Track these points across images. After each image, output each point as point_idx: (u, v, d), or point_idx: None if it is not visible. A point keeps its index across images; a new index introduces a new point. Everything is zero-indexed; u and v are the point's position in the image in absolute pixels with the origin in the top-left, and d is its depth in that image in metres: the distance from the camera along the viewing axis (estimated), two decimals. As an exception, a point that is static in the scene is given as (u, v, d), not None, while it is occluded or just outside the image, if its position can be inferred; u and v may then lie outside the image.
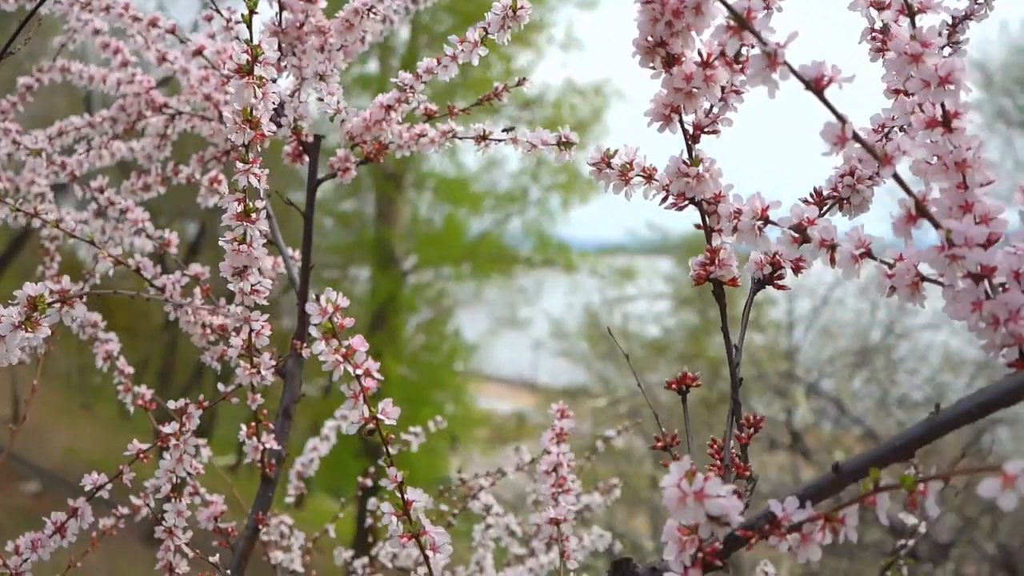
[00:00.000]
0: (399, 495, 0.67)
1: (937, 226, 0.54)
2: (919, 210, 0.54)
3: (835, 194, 0.72)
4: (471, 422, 10.73)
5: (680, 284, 11.30)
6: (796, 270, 0.71)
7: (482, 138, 0.99)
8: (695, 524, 0.54)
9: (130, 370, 1.14)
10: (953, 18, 0.75)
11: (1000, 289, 0.54)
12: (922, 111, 0.58)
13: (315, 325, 0.64)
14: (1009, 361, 0.53)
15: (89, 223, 1.22)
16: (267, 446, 1.01)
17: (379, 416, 0.65)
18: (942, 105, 0.56)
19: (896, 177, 0.53)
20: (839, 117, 0.53)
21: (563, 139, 0.87)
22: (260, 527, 1.03)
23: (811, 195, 0.73)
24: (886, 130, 0.72)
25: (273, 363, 0.95)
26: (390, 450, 0.67)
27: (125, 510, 1.16)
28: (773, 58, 0.52)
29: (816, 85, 0.53)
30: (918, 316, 7.85)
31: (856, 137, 0.53)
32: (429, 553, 0.67)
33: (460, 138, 1.01)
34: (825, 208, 0.72)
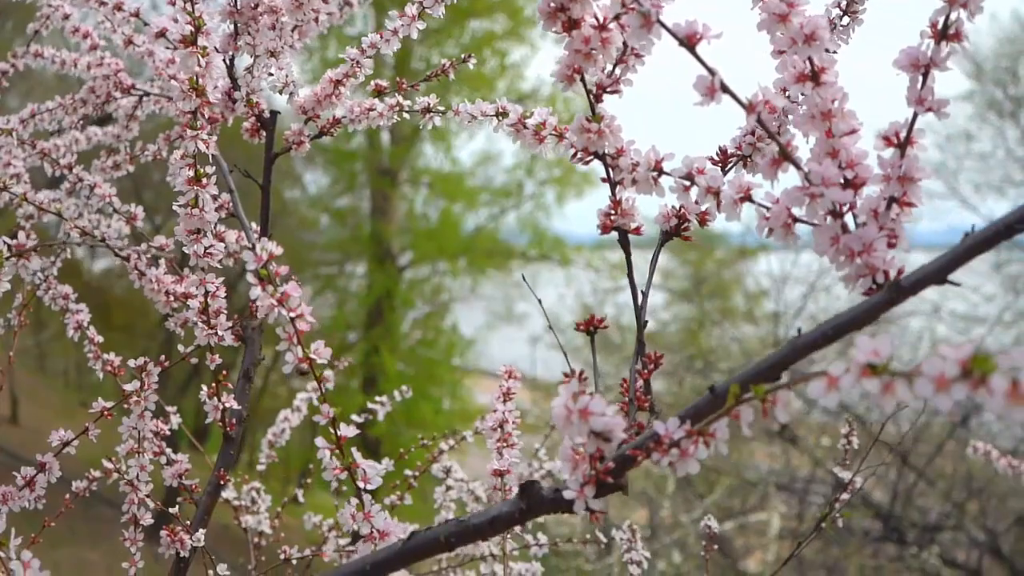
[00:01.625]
0: (332, 431, 0.73)
1: (799, 168, 0.59)
2: (783, 154, 0.59)
3: (738, 152, 0.77)
4: (468, 417, 10.77)
5: (676, 277, 11.35)
6: (702, 222, 0.76)
7: (427, 110, 1.05)
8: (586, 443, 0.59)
9: (99, 339, 1.20)
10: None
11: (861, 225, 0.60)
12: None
13: (251, 271, 0.69)
14: (864, 290, 0.59)
15: (62, 201, 1.27)
16: (227, 406, 1.07)
17: (312, 356, 0.71)
18: (810, 60, 0.61)
19: (760, 123, 0.59)
20: (709, 70, 0.58)
21: (500, 110, 0.93)
22: (222, 483, 1.08)
23: (716, 153, 0.78)
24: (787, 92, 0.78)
25: (230, 325, 1.00)
26: (323, 387, 0.72)
27: (95, 475, 1.21)
28: (648, 18, 0.58)
29: (689, 42, 0.58)
30: (908, 303, 7.90)
31: (724, 88, 0.58)
32: (360, 484, 0.73)
33: (408, 111, 1.07)
34: (730, 165, 0.78)
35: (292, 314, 0.70)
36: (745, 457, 7.38)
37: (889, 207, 0.60)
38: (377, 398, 1.55)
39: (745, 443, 7.47)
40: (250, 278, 0.70)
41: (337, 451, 0.73)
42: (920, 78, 0.60)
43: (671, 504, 6.65)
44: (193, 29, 0.78)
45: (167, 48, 1.17)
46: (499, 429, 1.03)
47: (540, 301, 0.93)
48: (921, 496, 6.53)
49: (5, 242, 0.74)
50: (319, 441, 0.73)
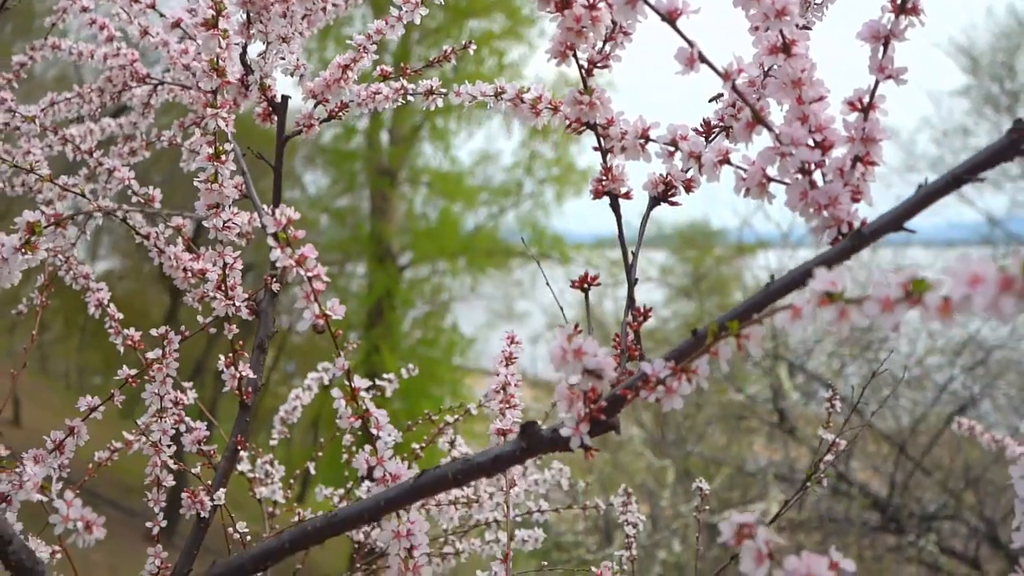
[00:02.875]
0: (347, 382, 0.79)
1: (771, 130, 0.65)
2: (756, 118, 0.65)
3: (720, 123, 0.83)
4: (469, 416, 10.80)
5: (676, 274, 11.42)
6: (687, 189, 0.82)
7: (429, 92, 1.11)
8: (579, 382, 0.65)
9: (120, 315, 1.26)
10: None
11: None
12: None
13: (271, 235, 0.75)
14: (830, 240, 0.65)
15: (80, 185, 1.33)
16: (243, 375, 1.13)
17: (328, 312, 0.77)
18: (781, 33, 0.68)
19: (735, 90, 0.65)
20: (689, 43, 0.64)
21: (499, 90, 0.98)
22: (239, 448, 1.14)
23: (700, 124, 0.84)
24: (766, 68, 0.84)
25: (246, 296, 1.06)
26: (337, 343, 0.79)
27: (117, 447, 1.27)
28: (632, -6, 0.64)
29: (670, 17, 0.65)
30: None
31: (702, 58, 0.64)
32: (374, 431, 0.79)
33: (411, 94, 1.13)
34: (713, 135, 0.84)
35: (309, 274, 0.76)
36: (745, 449, 7.44)
37: (854, 166, 0.66)
38: (384, 375, 1.61)
39: (745, 436, 7.55)
40: (270, 241, 0.76)
41: (352, 401, 0.79)
42: (881, 48, 0.66)
43: (671, 495, 6.72)
44: (214, 13, 0.84)
45: (181, 38, 1.23)
46: (502, 391, 1.09)
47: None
48: (919, 487, 6.59)
49: (42, 211, 0.80)
50: (335, 392, 0.79)
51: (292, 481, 1.56)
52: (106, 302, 1.27)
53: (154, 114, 1.37)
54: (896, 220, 0.61)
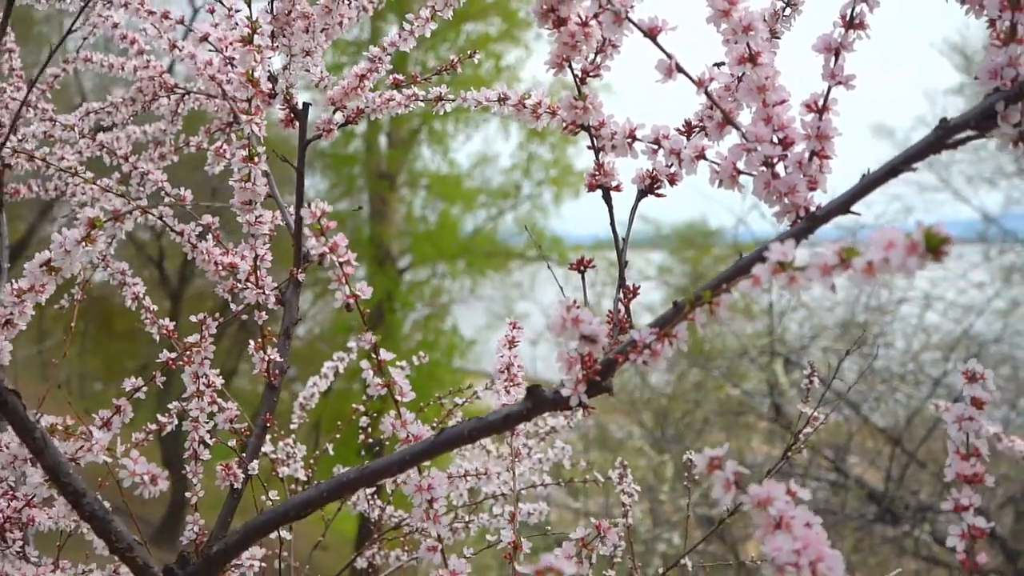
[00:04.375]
0: (374, 355, 0.90)
1: (738, 129, 0.76)
2: (726, 119, 0.76)
3: (699, 124, 0.94)
4: (470, 417, 10.89)
5: (674, 274, 11.52)
6: (671, 182, 0.93)
7: (439, 99, 1.22)
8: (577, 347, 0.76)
9: (155, 307, 1.37)
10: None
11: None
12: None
13: (307, 225, 0.86)
14: (791, 222, 0.76)
15: (116, 188, 1.44)
16: (272, 358, 1.24)
17: (357, 293, 0.88)
18: (748, 46, 0.78)
19: (708, 95, 0.76)
20: (667, 55, 0.75)
21: (502, 96, 1.09)
22: (267, 425, 1.25)
23: (682, 125, 0.95)
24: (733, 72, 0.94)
25: (275, 286, 1.17)
26: (364, 319, 0.89)
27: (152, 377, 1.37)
28: (619, 15, 0.75)
29: (651, 33, 0.76)
30: (899, 292, 8.09)
31: (679, 68, 0.75)
32: (398, 397, 0.90)
33: (422, 100, 1.24)
34: (693, 135, 0.95)
35: (340, 259, 0.88)
36: (744, 446, 7.55)
37: (811, 159, 0.77)
38: (397, 363, 1.71)
39: (744, 432, 7.65)
40: (307, 231, 0.87)
41: (378, 370, 0.90)
42: (833, 57, 0.77)
43: (669, 489, 6.82)
44: (251, 31, 0.94)
45: (209, 51, 1.34)
46: (506, 371, 1.20)
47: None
48: (914, 480, 6.70)
49: (103, 208, 0.91)
50: (364, 363, 0.90)
51: (312, 462, 1.67)
52: (142, 295, 1.38)
53: (181, 122, 1.48)
54: (843, 205, 0.72)
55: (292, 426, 1.71)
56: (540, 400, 0.81)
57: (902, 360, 7.71)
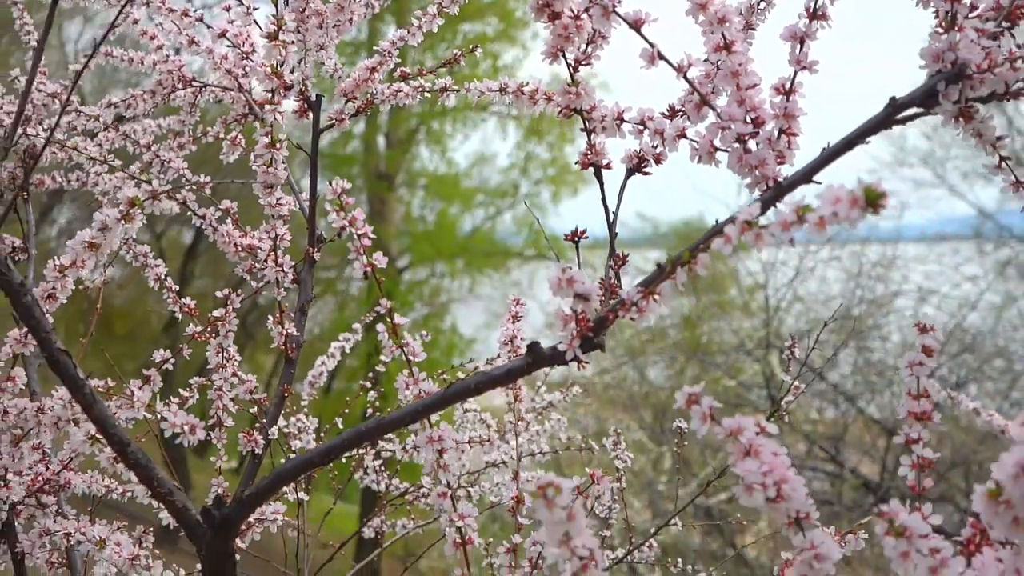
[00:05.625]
0: (389, 320, 0.99)
1: (714, 109, 0.85)
2: (703, 100, 0.86)
3: (682, 108, 1.03)
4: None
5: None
6: (657, 161, 1.02)
7: (444, 90, 1.31)
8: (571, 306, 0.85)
9: (176, 287, 1.46)
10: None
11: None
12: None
13: (328, 201, 0.95)
14: (761, 192, 0.85)
15: (138, 175, 1.53)
16: (289, 332, 1.33)
17: (374, 262, 0.97)
18: (723, 35, 0.88)
19: (687, 79, 0.85)
20: (650, 44, 0.85)
21: (503, 86, 1.19)
22: (285, 395, 1.34)
23: (667, 109, 1.04)
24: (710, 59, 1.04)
25: (293, 263, 1.27)
26: (381, 287, 0.99)
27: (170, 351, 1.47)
28: (607, 9, 0.84)
29: (636, 24, 0.85)
30: (894, 285, 8.20)
31: (660, 56, 0.84)
32: (411, 357, 0.99)
33: (428, 92, 1.33)
34: (676, 117, 1.04)
35: (358, 232, 0.97)
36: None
37: (779, 136, 0.86)
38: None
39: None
40: (328, 206, 0.96)
41: (393, 334, 0.99)
42: (798, 45, 0.86)
43: (667, 480, 6.92)
44: (277, 27, 1.04)
45: (227, 46, 1.43)
46: (509, 343, 1.29)
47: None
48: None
49: (144, 186, 1.00)
50: (379, 326, 0.99)
51: (323, 434, 1.76)
52: (163, 276, 1.47)
53: (199, 113, 1.57)
54: (805, 175, 0.81)
55: (303, 402, 1.80)
56: (539, 355, 0.91)
57: (898, 352, 7.81)
